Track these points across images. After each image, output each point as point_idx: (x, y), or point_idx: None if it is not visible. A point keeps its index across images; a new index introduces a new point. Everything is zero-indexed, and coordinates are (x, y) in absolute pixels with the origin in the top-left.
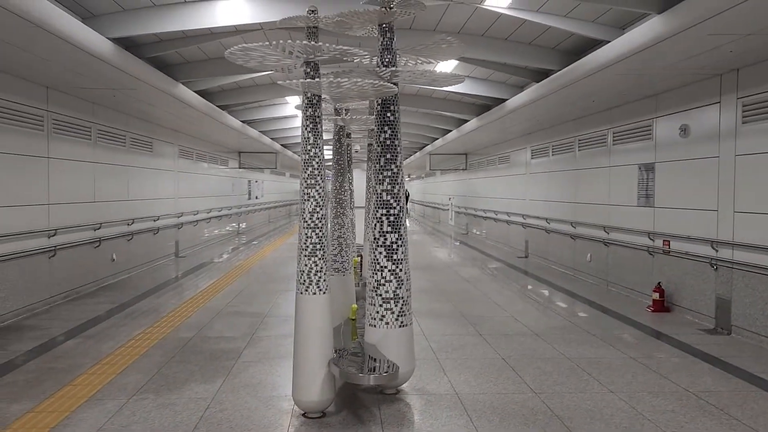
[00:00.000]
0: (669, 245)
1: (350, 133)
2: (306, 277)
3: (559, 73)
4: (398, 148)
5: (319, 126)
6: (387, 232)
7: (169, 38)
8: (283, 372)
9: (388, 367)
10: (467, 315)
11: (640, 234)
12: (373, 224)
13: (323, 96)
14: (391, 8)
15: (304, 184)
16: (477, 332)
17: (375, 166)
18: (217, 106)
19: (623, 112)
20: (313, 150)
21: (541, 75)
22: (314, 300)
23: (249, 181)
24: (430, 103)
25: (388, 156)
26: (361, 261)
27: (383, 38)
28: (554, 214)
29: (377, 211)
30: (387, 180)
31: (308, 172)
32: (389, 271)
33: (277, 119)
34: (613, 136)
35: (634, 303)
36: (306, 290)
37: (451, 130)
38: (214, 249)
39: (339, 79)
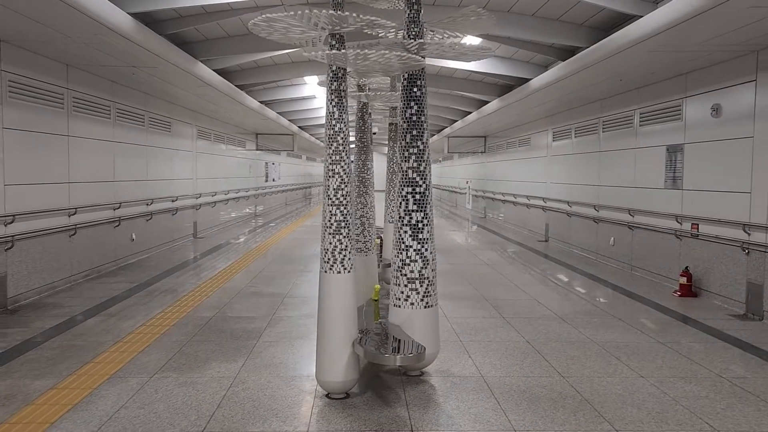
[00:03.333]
0: (697, 228)
1: (371, 113)
2: (330, 256)
3: (587, 50)
4: (425, 125)
5: (344, 100)
6: (413, 211)
7: (189, 14)
8: (304, 352)
9: (416, 347)
10: (489, 298)
11: (666, 217)
12: (398, 203)
13: (347, 70)
14: None
15: (329, 160)
16: (500, 315)
17: (401, 143)
18: (235, 85)
19: (651, 92)
20: (338, 125)
21: (567, 53)
22: (339, 279)
23: (266, 164)
24: (450, 83)
25: (414, 132)
26: (381, 243)
27: (410, 10)
28: (576, 198)
29: (402, 190)
30: (413, 157)
31: (333, 147)
32: (415, 250)
33: (295, 100)
34: (640, 117)
35: (659, 287)
36: (330, 269)
37: (470, 112)
38: (231, 230)
39: (366, 51)
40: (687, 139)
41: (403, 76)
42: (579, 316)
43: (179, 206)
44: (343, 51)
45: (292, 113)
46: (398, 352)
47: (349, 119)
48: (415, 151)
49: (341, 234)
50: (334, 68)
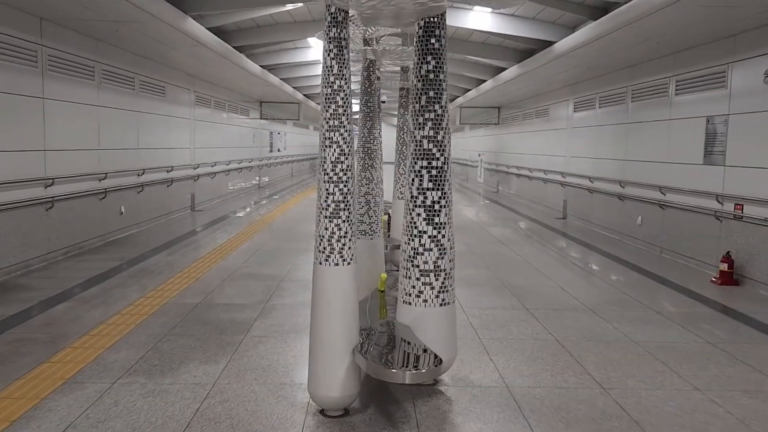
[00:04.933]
0: (741, 209)
1: (379, 77)
2: (327, 244)
3: (625, 6)
4: (443, 84)
5: (345, 52)
6: (428, 189)
7: None
8: (298, 351)
9: (430, 359)
10: (508, 284)
11: (705, 196)
12: (411, 179)
13: (351, 14)
14: None
15: (326, 126)
16: (522, 305)
17: (413, 107)
18: (234, 47)
19: (690, 57)
20: (338, 82)
21: (600, 11)
22: (337, 272)
23: (271, 133)
24: (465, 47)
25: (431, 94)
26: (389, 220)
27: None
28: (599, 173)
29: (416, 164)
30: (429, 124)
31: (331, 110)
32: (429, 237)
33: (299, 66)
34: (676, 85)
35: (695, 273)
36: (326, 260)
37: (485, 80)
38: (232, 203)
39: None
40: (732, 110)
41: (419, 25)
42: (611, 308)
43: (174, 177)
44: None
45: (297, 80)
46: (408, 365)
47: (353, 79)
48: (432, 116)
49: (340, 218)
50: (332, 10)
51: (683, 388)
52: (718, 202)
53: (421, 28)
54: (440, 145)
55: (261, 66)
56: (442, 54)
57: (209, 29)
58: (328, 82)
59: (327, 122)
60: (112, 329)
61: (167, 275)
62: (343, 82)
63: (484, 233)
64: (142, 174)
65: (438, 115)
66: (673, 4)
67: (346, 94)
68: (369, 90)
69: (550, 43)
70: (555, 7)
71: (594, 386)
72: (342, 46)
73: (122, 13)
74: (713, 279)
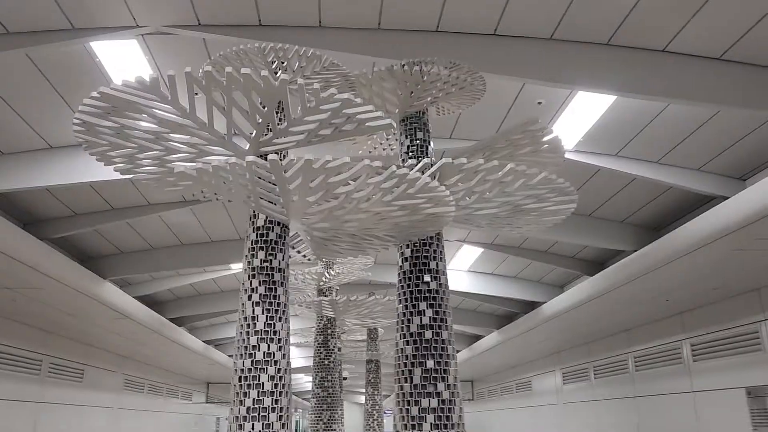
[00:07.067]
0: None
1: (339, 341)
2: None
3: (635, 254)
4: (449, 343)
5: (279, 292)
6: None
7: (86, 209)
8: None
9: None
10: None
11: None
12: None
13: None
14: None
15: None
16: None
17: (399, 384)
18: (169, 319)
19: (708, 314)
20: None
21: (596, 266)
22: None
23: (218, 419)
24: None
25: (433, 359)
26: None
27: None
28: None
29: None
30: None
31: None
32: None
33: None
34: (692, 349)
35: None
36: None
37: (458, 351)
38: None
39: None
40: None
41: (401, 250)
42: None
43: None
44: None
45: None
46: None
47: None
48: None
49: None
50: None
51: None
52: None
53: (408, 256)
54: None
55: (204, 341)
56: (444, 304)
57: (138, 298)
58: (243, 350)
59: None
60: None
61: None
62: (280, 347)
63: None
64: None
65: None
66: (699, 249)
67: (283, 371)
68: (326, 362)
69: (533, 305)
70: (544, 261)
71: None
72: (275, 285)
73: (20, 276)
74: None
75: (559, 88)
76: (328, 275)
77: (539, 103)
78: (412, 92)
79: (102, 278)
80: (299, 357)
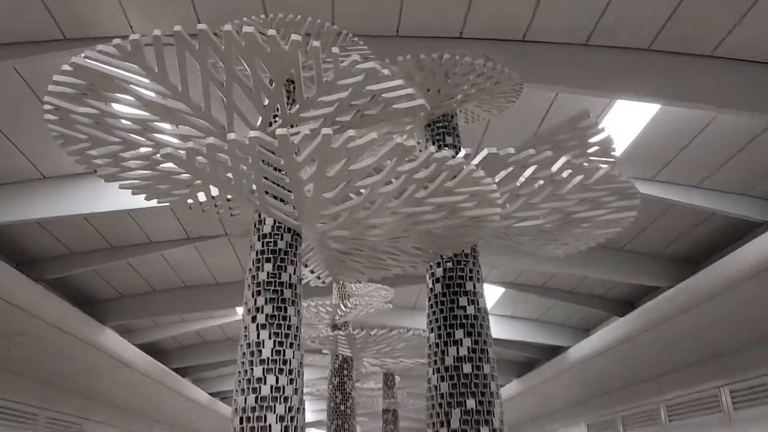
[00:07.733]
0: None
1: (356, 378)
2: None
3: (671, 291)
4: (493, 378)
5: (290, 312)
6: None
7: (82, 247)
8: None
9: None
10: None
11: None
12: None
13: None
14: None
15: None
16: None
17: (434, 429)
18: (173, 369)
19: (750, 357)
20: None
21: (626, 306)
22: None
23: None
24: None
25: (475, 398)
26: None
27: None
28: None
29: None
30: None
31: None
32: None
33: None
34: (731, 396)
35: None
36: None
37: None
38: None
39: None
40: None
41: (432, 276)
42: None
43: None
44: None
45: None
46: None
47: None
48: None
49: None
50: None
51: None
52: None
53: (441, 278)
54: None
55: (210, 393)
56: (485, 341)
57: (140, 346)
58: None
59: None
60: None
61: None
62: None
63: None
64: None
65: None
66: (744, 284)
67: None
68: (341, 408)
69: (556, 351)
70: (570, 301)
71: None
72: (290, 318)
73: (9, 321)
74: None
75: (598, 97)
76: (343, 307)
77: None
78: (440, 90)
79: (102, 324)
80: (308, 411)
